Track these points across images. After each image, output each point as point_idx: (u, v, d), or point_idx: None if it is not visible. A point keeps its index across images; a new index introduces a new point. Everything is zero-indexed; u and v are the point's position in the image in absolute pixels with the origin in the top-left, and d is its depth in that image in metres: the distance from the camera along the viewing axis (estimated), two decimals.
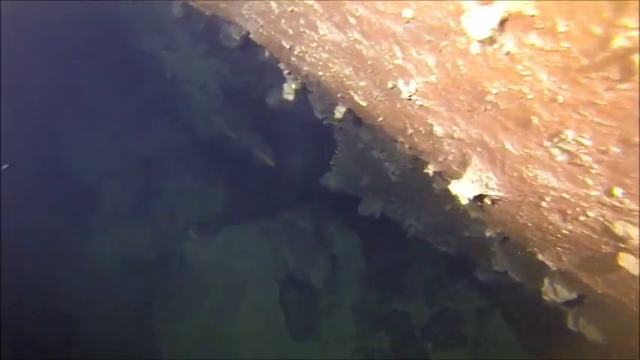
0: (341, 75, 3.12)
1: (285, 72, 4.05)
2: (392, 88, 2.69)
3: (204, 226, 8.80)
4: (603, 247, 2.52)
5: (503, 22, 1.86)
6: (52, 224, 9.58)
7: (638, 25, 1.55)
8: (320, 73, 3.34)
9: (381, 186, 6.33)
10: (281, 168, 8.23)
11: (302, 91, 5.17)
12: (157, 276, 9.14)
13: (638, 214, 2.14)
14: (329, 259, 8.59)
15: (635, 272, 2.46)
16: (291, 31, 3.15)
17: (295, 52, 3.36)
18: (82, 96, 10.51)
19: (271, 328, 8.40)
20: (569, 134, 2.05)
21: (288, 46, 3.36)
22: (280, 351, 8.32)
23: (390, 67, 2.52)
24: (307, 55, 3.27)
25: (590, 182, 2.15)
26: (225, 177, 9.14)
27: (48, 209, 9.76)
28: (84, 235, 9.55)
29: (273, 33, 3.36)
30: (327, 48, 2.97)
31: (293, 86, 4.25)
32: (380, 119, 3.23)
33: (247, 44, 6.13)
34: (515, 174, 2.38)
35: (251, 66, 7.26)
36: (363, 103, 3.21)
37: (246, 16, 3.54)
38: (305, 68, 3.52)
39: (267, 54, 4.05)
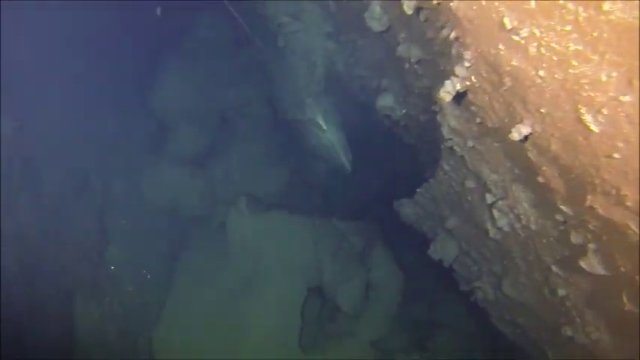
0: (584, 80, 2.07)
1: (466, 64, 3.00)
2: None
3: (255, 201, 7.83)
4: None
5: None
6: (115, 156, 8.92)
7: None
8: (540, 73, 2.29)
9: (468, 235, 5.21)
10: (356, 175, 7.21)
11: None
12: (192, 233, 8.27)
13: None
14: (365, 286, 7.47)
15: None
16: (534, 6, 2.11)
17: (516, 37, 2.33)
18: (185, 40, 9.82)
19: (282, 329, 7.34)
20: None
21: (510, 26, 2.33)
22: (282, 353, 7.26)
23: None
24: (537, 45, 2.23)
25: None
26: (295, 162, 8.20)
27: (118, 141, 9.13)
28: (141, 172, 8.79)
29: (501, 8, 2.34)
30: (595, 34, 1.93)
31: (458, 86, 3.20)
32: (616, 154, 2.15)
33: (390, 30, 5.19)
34: None
35: (372, 60, 6.28)
36: (595, 129, 2.15)
37: None
38: (513, 63, 2.48)
39: (453, 34, 3.02)
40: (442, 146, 4.99)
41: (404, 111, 5.99)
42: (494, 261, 5.02)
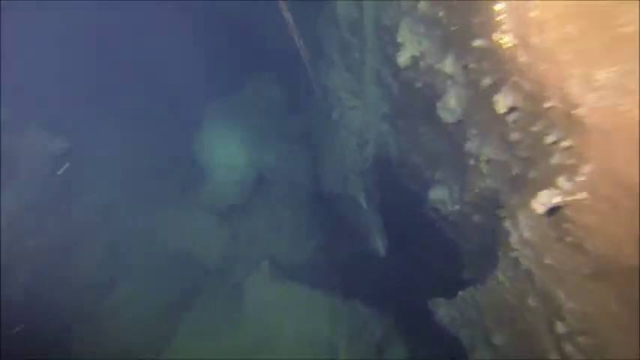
0: None
1: (579, 178, 2.49)
2: None
3: (278, 267, 7.18)
4: None
5: None
6: (147, 192, 8.54)
7: None
8: None
9: (519, 355, 4.42)
10: (387, 262, 6.54)
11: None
12: (206, 286, 7.58)
13: None
14: None
15: None
16: None
17: None
18: (238, 93, 9.72)
19: None
20: None
21: None
22: None
23: None
24: None
25: None
26: (326, 237, 7.60)
27: (153, 178, 8.80)
28: (168, 213, 8.32)
29: None
30: None
31: (558, 199, 2.67)
32: None
33: (460, 124, 4.78)
34: None
35: (430, 150, 5.85)
36: None
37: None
38: None
39: (565, 142, 2.54)
40: (500, 254, 4.39)
41: (457, 207, 5.44)
42: None
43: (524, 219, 3.63)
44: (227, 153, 8.80)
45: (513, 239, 3.86)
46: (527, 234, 3.62)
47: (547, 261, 3.46)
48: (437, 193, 5.55)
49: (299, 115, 8.31)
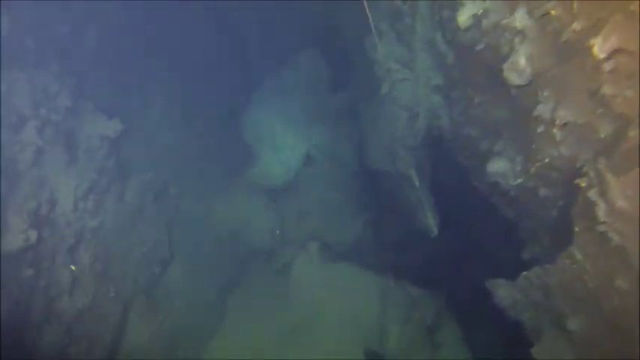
0: None
1: None
2: None
3: (327, 249, 6.73)
4: None
5: None
6: (196, 173, 8.25)
7: None
8: None
9: (600, 347, 3.76)
10: (441, 241, 5.95)
11: None
12: (254, 266, 7.25)
13: None
14: None
15: None
16: None
17: None
18: (284, 72, 9.23)
19: None
20: None
21: None
22: None
23: None
24: None
25: None
26: (375, 215, 7.07)
27: (202, 158, 8.50)
28: (216, 194, 8.02)
29: None
30: None
31: None
32: None
33: (528, 86, 4.09)
34: None
35: (488, 120, 5.16)
36: None
37: None
38: None
39: None
40: (578, 229, 3.73)
41: (519, 180, 4.75)
42: None
43: (617, 186, 2.97)
44: (274, 133, 8.40)
45: (601, 211, 3.20)
46: (621, 203, 2.97)
47: None
48: (496, 166, 4.89)
49: (345, 91, 7.76)
